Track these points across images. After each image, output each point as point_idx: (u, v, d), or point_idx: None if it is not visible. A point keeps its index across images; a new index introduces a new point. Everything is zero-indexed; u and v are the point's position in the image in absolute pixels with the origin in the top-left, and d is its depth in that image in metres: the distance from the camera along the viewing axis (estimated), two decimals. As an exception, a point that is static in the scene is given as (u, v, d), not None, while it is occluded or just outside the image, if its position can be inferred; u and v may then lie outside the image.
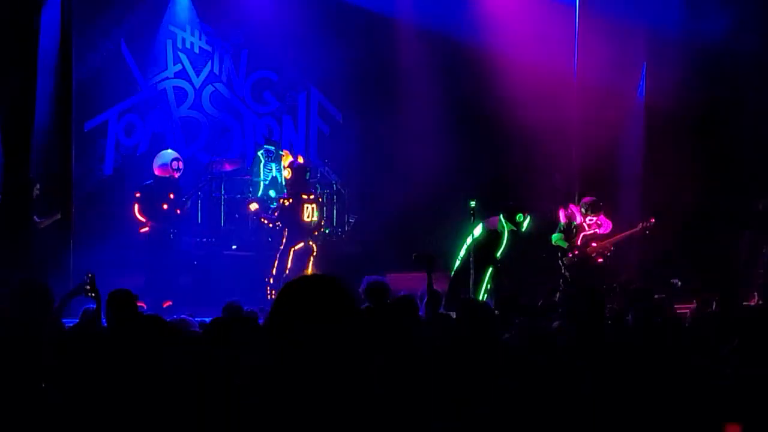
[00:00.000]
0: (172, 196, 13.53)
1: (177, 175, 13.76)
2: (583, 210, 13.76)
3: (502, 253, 13.59)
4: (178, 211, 13.59)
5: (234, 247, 15.05)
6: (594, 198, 13.98)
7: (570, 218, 13.73)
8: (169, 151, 14.13)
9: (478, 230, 13.36)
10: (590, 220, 13.66)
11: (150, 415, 3.92)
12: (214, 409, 3.77)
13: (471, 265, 13.03)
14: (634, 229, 13.95)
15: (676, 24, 15.29)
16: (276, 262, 13.43)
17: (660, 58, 15.36)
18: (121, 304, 7.28)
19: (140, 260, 13.75)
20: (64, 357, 5.51)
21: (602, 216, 13.75)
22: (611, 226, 13.75)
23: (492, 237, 13.45)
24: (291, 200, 13.51)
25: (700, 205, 14.82)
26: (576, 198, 14.60)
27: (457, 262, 13.68)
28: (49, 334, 6.03)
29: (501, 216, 13.56)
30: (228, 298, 9.33)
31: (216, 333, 6.63)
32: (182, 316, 8.51)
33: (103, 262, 14.55)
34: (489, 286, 13.42)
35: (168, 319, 8.99)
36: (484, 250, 13.25)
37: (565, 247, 13.69)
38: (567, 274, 13.63)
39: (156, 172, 13.72)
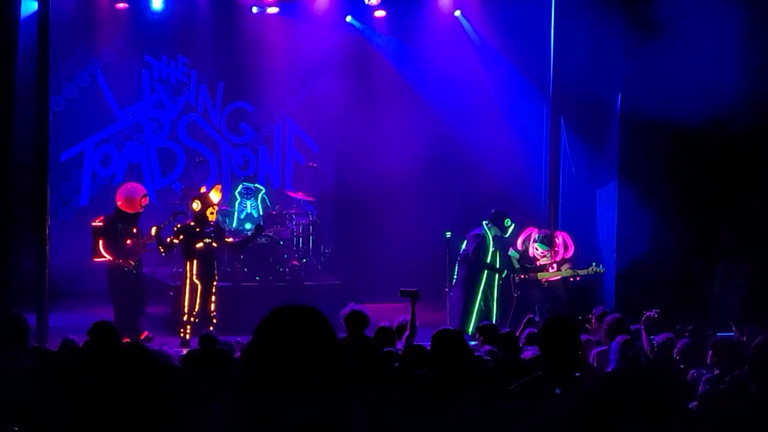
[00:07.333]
0: (135, 230, 12.96)
1: (141, 210, 13.10)
2: (537, 240, 13.68)
3: (491, 259, 13.64)
4: (141, 250, 12.99)
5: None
6: (549, 232, 13.93)
7: (525, 245, 13.70)
8: (138, 185, 13.61)
9: (463, 244, 13.61)
10: (541, 253, 13.64)
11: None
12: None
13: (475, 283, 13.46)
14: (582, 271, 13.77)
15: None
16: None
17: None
18: (103, 336, 7.28)
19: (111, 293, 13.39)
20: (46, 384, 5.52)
21: (568, 238, 13.78)
22: (572, 250, 13.77)
23: (478, 243, 13.49)
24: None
25: (676, 236, 14.82)
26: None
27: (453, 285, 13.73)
28: (27, 366, 6.03)
29: (483, 223, 13.61)
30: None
31: (193, 364, 6.68)
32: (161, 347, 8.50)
33: (78, 292, 14.53)
34: (481, 306, 13.54)
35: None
36: (473, 259, 13.42)
37: (516, 267, 13.66)
38: (518, 293, 13.51)
39: (121, 205, 12.95)
